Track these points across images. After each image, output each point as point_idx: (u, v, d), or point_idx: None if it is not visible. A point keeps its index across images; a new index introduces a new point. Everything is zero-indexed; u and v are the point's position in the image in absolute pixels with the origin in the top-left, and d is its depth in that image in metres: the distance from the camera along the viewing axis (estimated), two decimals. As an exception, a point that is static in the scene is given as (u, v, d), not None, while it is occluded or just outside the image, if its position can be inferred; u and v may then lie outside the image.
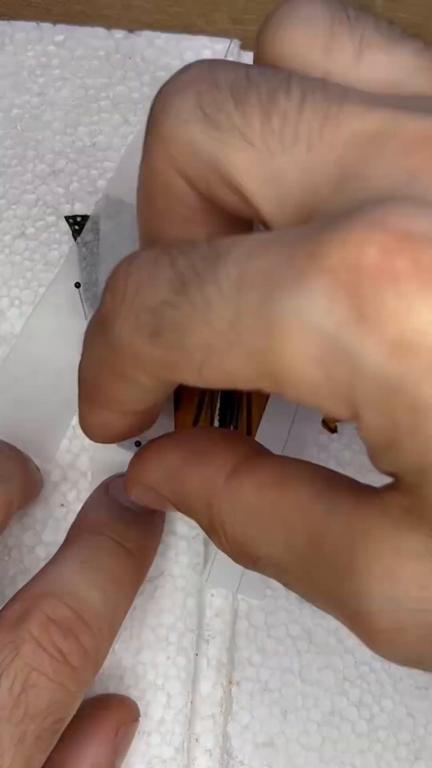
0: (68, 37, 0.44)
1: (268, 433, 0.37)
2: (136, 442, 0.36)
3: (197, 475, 0.27)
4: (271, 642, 0.35)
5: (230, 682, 0.35)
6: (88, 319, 0.39)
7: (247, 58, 0.45)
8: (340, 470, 0.37)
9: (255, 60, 0.26)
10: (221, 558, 0.35)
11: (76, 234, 0.40)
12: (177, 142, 0.24)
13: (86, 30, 0.44)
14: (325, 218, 0.19)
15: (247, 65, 0.24)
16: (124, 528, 0.32)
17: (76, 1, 0.47)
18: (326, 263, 0.17)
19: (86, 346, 0.26)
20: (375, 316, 0.17)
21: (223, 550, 0.26)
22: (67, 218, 0.41)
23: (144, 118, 0.43)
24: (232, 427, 0.38)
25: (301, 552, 0.23)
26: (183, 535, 0.36)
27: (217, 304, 0.19)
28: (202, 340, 0.20)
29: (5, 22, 0.45)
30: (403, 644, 0.21)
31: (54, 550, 0.36)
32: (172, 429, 0.37)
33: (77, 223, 0.41)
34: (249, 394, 0.38)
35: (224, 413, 0.38)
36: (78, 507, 0.36)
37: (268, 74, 0.23)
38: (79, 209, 0.41)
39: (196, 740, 0.35)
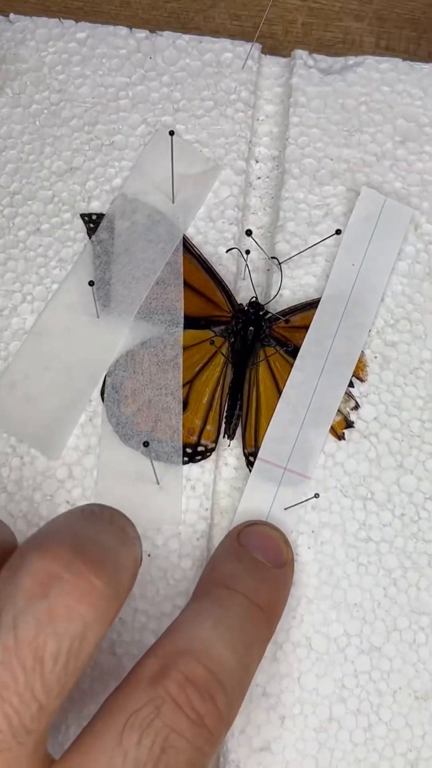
0: (90, 34, 0.44)
1: (276, 438, 0.37)
2: (144, 443, 0.36)
3: None
4: (271, 647, 0.35)
5: (229, 686, 0.35)
6: (100, 317, 0.39)
7: (268, 62, 0.45)
8: (346, 478, 0.37)
9: None
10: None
11: (91, 232, 0.40)
12: None
13: (108, 28, 0.44)
14: None
15: None
16: (256, 583, 0.32)
17: (74, -3, 0.47)
18: None
19: None
20: None
21: None
22: (82, 216, 0.41)
23: (163, 118, 0.43)
24: (239, 429, 0.38)
25: None
26: (186, 538, 0.36)
27: None
28: None
29: (27, 17, 0.45)
30: None
31: (58, 547, 0.36)
32: (180, 430, 0.37)
33: (92, 221, 0.41)
34: (258, 396, 0.38)
35: (231, 415, 0.38)
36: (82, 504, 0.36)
37: None
38: (95, 207, 0.41)
39: (193, 742, 0.35)
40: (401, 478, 0.37)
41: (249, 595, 0.31)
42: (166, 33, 0.44)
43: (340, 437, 0.38)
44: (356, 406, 0.38)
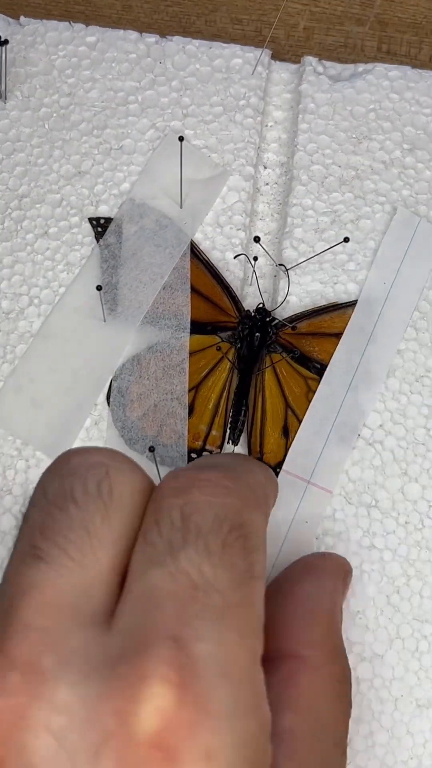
0: (100, 38, 0.45)
1: (301, 451, 0.37)
2: (150, 447, 0.36)
3: None
4: (273, 653, 0.35)
5: (231, 692, 0.35)
6: (107, 322, 0.39)
7: (277, 68, 0.45)
8: (350, 486, 0.37)
9: None
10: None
11: (98, 236, 0.41)
12: None
13: (118, 32, 0.44)
14: None
15: None
16: None
17: (75, 1, 0.47)
18: None
19: None
20: None
21: None
22: (90, 220, 0.41)
23: (172, 123, 0.43)
24: (244, 435, 0.38)
25: None
26: (191, 542, 0.36)
27: None
28: None
29: (38, 21, 0.45)
30: None
31: (62, 550, 0.36)
32: (185, 435, 0.37)
33: (100, 225, 0.41)
34: (263, 403, 0.38)
35: (236, 421, 0.38)
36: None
37: None
38: (103, 211, 0.41)
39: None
40: (406, 486, 0.37)
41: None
42: (176, 38, 0.44)
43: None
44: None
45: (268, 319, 0.39)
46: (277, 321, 0.39)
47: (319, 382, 0.38)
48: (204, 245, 0.41)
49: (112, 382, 0.38)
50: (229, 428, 0.38)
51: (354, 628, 0.36)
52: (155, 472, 0.36)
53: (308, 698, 0.29)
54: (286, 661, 0.29)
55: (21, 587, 0.24)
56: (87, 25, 0.45)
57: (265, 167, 0.44)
